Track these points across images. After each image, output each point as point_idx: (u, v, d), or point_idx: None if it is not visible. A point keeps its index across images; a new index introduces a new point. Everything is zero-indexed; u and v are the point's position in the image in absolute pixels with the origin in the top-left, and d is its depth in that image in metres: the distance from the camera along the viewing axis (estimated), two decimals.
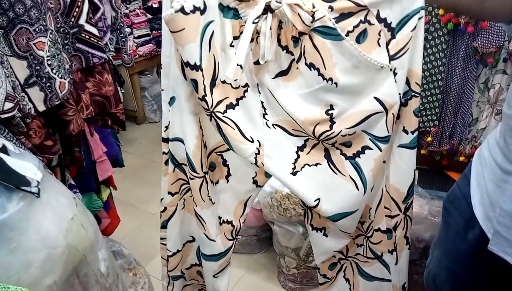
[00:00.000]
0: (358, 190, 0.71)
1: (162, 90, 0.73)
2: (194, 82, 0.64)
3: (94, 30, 0.90)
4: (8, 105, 0.75)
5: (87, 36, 0.90)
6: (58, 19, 0.85)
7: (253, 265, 1.71)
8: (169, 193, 0.81)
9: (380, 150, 0.69)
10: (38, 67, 0.79)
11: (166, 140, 0.76)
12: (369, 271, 0.86)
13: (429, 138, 1.50)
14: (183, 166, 0.77)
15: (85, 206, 1.29)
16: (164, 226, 0.85)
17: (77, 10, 0.86)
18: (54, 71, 0.81)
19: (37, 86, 0.81)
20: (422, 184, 1.57)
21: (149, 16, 2.58)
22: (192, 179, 0.75)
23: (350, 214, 0.74)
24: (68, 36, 0.88)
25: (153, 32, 2.63)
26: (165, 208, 0.83)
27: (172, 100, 0.71)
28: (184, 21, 0.60)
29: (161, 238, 0.88)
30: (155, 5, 2.60)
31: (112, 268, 0.92)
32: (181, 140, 0.73)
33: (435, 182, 1.57)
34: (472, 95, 1.39)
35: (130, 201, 2.05)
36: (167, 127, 0.75)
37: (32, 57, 0.78)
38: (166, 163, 0.78)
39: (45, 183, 0.72)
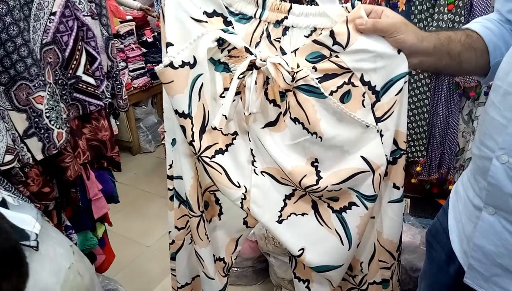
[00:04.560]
0: (343, 244, 0.72)
1: (165, 131, 0.77)
2: (183, 129, 0.68)
3: (91, 80, 0.94)
4: (8, 157, 0.78)
5: (84, 86, 0.94)
6: (56, 72, 0.89)
7: None
8: (176, 227, 0.83)
9: (367, 208, 0.70)
10: (37, 119, 0.82)
11: (171, 177, 0.80)
12: None
13: (418, 168, 1.54)
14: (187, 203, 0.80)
15: (80, 244, 1.30)
16: (173, 257, 0.88)
17: (75, 62, 0.90)
18: (52, 122, 0.84)
19: (36, 137, 0.84)
20: (414, 213, 1.60)
21: (144, 50, 2.65)
22: (190, 217, 0.77)
23: (335, 268, 0.74)
24: (66, 87, 0.92)
25: (148, 65, 2.69)
26: (173, 241, 0.86)
27: (174, 141, 0.75)
28: (173, 74, 0.64)
29: (171, 269, 0.90)
30: (149, 40, 2.68)
31: None
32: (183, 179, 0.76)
33: (427, 210, 1.59)
34: (457, 126, 1.44)
35: (125, 234, 2.04)
36: (171, 166, 0.79)
37: (31, 110, 0.81)
38: (171, 198, 0.81)
39: (43, 234, 0.73)
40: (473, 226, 0.65)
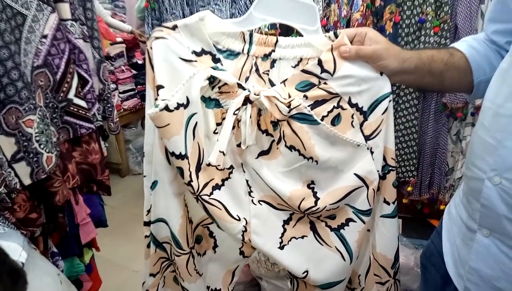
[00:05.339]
0: (344, 260, 0.73)
1: (145, 176, 0.75)
2: (180, 170, 0.66)
3: (82, 103, 0.93)
4: None
5: (75, 109, 0.92)
6: (47, 95, 0.87)
7: None
8: (151, 274, 0.81)
9: (364, 222, 0.72)
10: (26, 143, 0.80)
11: (148, 223, 0.77)
12: None
13: (409, 188, 1.55)
14: (164, 244, 0.78)
15: (66, 271, 1.25)
16: None
17: (66, 85, 0.89)
18: (42, 146, 0.82)
19: (24, 161, 0.81)
20: (406, 233, 1.60)
21: (134, 72, 2.66)
22: (178, 255, 0.75)
23: (339, 283, 0.75)
24: (56, 110, 0.90)
25: (138, 86, 2.69)
26: None
27: (154, 185, 0.73)
28: (168, 117, 0.63)
29: None
30: (140, 62, 2.68)
31: None
32: (164, 221, 0.74)
33: (418, 230, 1.60)
34: (446, 146, 1.46)
35: (112, 259, 1.99)
36: (148, 211, 0.76)
37: (20, 134, 0.79)
38: (148, 245, 0.79)
39: (30, 263, 0.70)
40: (468, 248, 0.65)
